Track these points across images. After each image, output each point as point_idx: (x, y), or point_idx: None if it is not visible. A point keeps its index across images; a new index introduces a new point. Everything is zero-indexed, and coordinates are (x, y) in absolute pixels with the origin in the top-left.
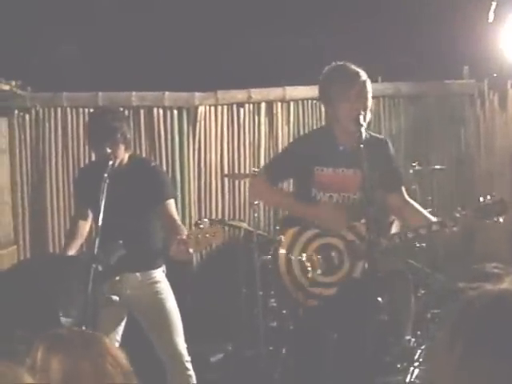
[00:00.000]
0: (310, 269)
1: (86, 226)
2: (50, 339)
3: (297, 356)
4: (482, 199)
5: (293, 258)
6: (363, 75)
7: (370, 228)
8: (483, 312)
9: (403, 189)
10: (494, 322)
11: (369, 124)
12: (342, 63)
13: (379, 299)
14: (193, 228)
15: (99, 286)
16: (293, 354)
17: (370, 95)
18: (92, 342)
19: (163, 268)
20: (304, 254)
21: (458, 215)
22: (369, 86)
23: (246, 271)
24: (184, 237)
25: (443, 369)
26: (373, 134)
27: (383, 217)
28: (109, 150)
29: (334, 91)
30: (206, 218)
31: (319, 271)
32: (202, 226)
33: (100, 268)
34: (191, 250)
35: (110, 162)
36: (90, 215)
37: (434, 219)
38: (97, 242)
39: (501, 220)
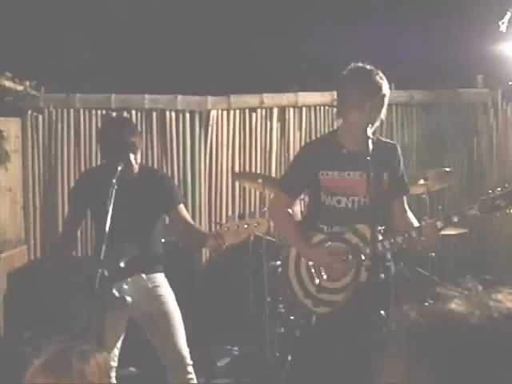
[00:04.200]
0: (315, 274)
1: (77, 234)
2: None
3: (304, 363)
4: (490, 191)
5: (301, 264)
6: (385, 88)
7: (374, 233)
8: (427, 329)
9: (405, 197)
10: (435, 340)
11: (375, 131)
12: (368, 68)
13: (382, 313)
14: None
15: (106, 289)
16: (299, 360)
17: (384, 109)
18: (76, 362)
19: (163, 274)
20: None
21: (466, 212)
22: (386, 100)
23: (255, 276)
24: (220, 231)
25: (389, 379)
26: (383, 139)
27: (389, 221)
28: (132, 157)
29: (351, 96)
30: (215, 221)
31: (325, 277)
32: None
33: (106, 273)
34: (225, 244)
35: (119, 168)
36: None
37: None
38: (103, 248)
39: None
